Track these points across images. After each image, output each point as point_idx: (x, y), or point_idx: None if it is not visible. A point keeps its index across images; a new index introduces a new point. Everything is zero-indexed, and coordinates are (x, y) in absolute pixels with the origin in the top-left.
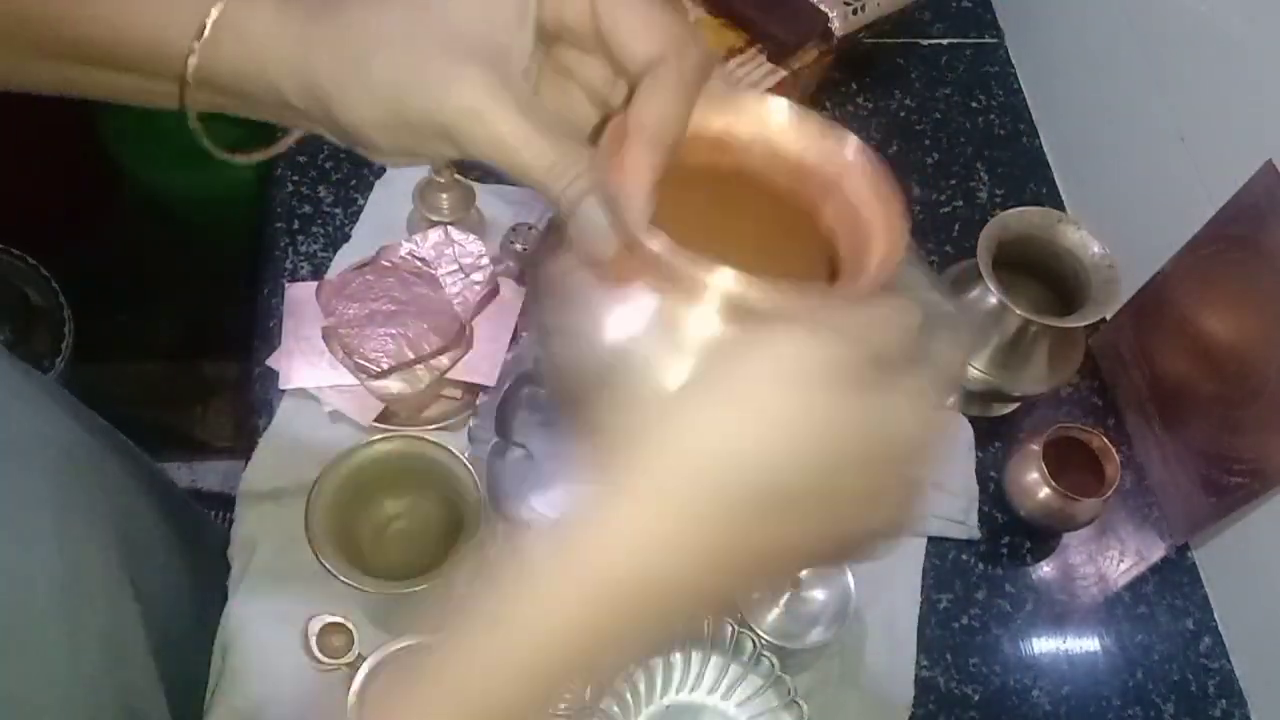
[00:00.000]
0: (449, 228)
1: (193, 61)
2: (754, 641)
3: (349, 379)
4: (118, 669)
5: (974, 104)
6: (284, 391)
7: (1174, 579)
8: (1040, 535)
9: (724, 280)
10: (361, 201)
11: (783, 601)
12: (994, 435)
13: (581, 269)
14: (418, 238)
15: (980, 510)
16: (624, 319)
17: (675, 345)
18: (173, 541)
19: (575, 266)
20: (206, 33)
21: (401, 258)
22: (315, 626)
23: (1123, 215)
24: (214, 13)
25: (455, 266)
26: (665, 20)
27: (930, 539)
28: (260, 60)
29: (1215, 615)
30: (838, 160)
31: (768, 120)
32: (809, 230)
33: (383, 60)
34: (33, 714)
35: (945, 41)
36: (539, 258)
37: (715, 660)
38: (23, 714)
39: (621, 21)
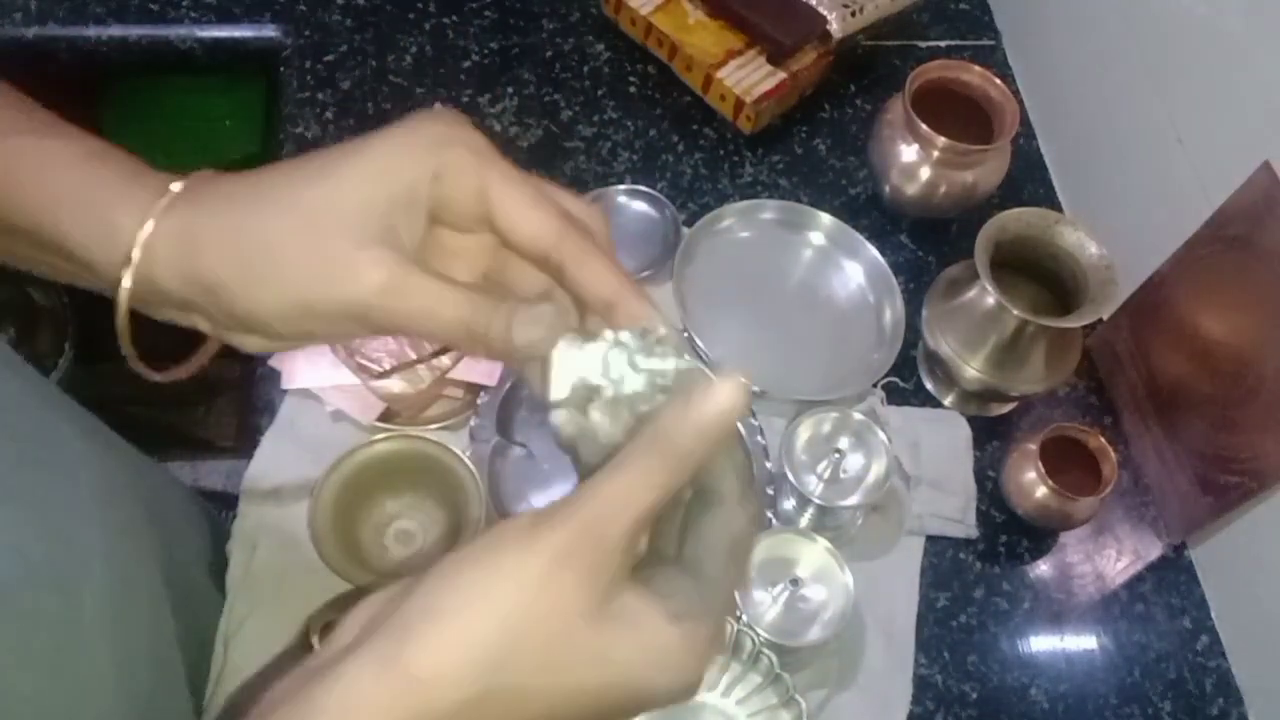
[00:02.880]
0: None
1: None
2: (753, 639)
3: (351, 379)
4: (161, 692)
5: None
6: (286, 391)
7: (1171, 578)
8: (1038, 534)
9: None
10: None
11: (782, 600)
12: (991, 435)
13: None
14: None
15: (978, 509)
16: None
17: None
18: (201, 547)
19: None
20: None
21: None
22: (317, 624)
23: (1120, 216)
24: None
25: None
26: (547, 201)
27: (928, 538)
28: (148, 264)
29: (1212, 614)
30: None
31: None
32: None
33: (285, 257)
34: None
35: (943, 44)
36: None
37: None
38: None
39: (514, 225)
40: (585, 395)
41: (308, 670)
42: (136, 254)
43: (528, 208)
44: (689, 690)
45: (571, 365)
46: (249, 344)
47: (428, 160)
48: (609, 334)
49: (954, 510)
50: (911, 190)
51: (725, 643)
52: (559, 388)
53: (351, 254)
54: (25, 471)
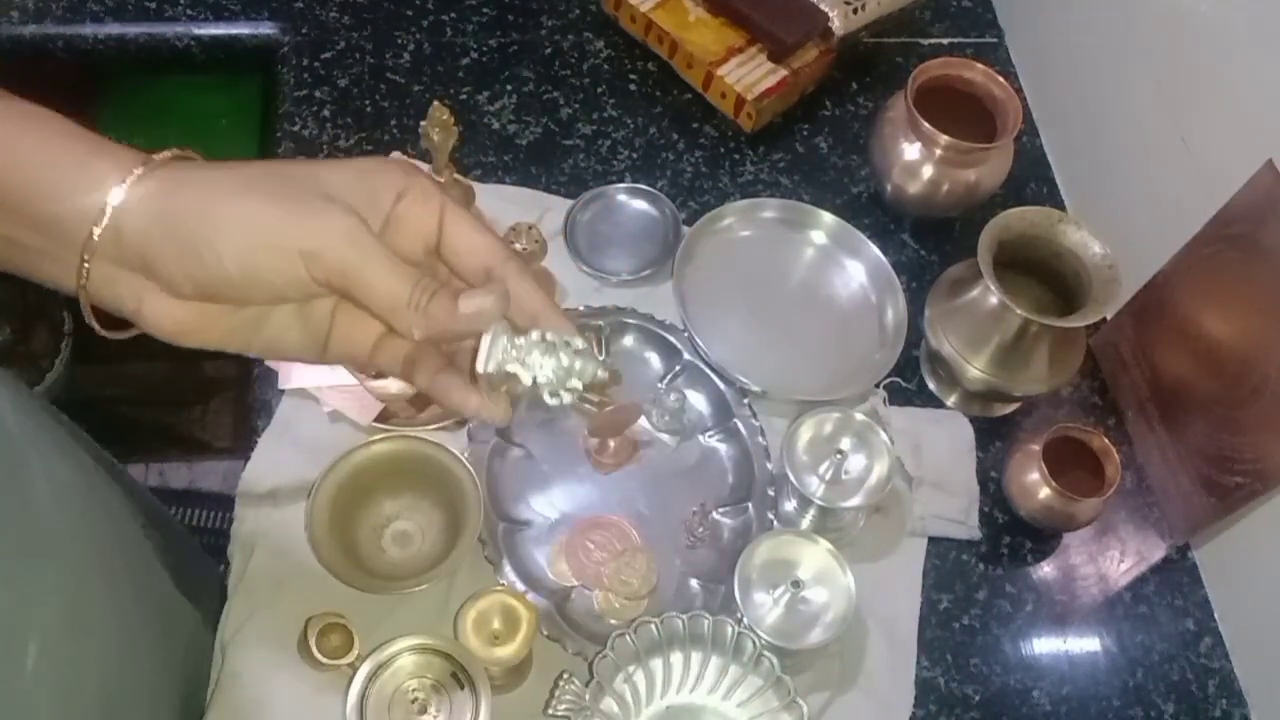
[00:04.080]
0: None
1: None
2: (754, 642)
3: (348, 379)
4: None
5: None
6: (283, 392)
7: (1174, 579)
8: (1041, 535)
9: None
10: None
11: (783, 602)
12: (994, 435)
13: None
14: None
15: (981, 510)
16: None
17: None
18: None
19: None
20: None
21: None
22: (315, 626)
23: (1123, 215)
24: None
25: None
26: (492, 242)
27: (931, 539)
28: (120, 213)
29: (1215, 615)
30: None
31: None
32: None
33: (263, 193)
34: None
35: (946, 41)
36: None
37: (715, 661)
38: None
39: (464, 244)
40: (503, 378)
41: None
42: (119, 195)
43: (478, 230)
44: None
45: (500, 345)
46: (179, 318)
47: (397, 179)
48: (536, 333)
49: (956, 511)
50: (914, 189)
51: None
52: (486, 363)
53: (324, 202)
54: None
